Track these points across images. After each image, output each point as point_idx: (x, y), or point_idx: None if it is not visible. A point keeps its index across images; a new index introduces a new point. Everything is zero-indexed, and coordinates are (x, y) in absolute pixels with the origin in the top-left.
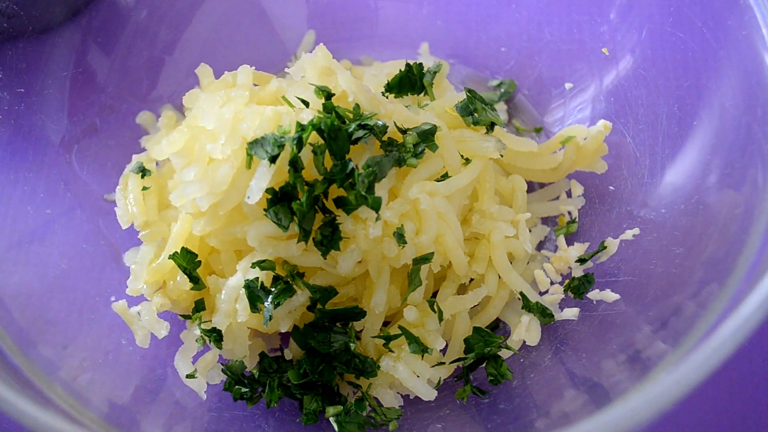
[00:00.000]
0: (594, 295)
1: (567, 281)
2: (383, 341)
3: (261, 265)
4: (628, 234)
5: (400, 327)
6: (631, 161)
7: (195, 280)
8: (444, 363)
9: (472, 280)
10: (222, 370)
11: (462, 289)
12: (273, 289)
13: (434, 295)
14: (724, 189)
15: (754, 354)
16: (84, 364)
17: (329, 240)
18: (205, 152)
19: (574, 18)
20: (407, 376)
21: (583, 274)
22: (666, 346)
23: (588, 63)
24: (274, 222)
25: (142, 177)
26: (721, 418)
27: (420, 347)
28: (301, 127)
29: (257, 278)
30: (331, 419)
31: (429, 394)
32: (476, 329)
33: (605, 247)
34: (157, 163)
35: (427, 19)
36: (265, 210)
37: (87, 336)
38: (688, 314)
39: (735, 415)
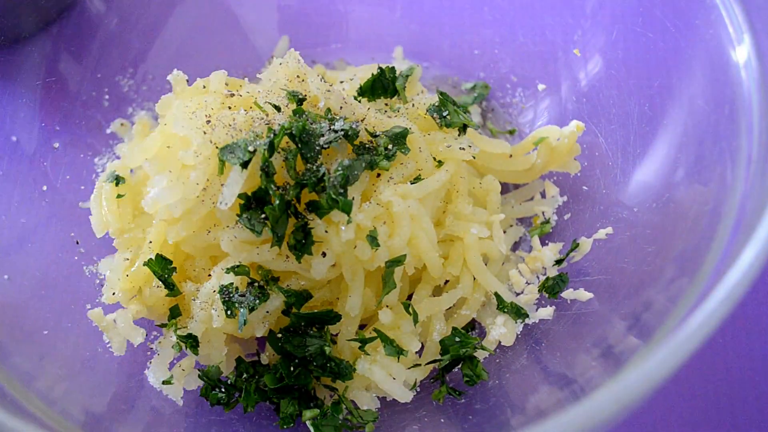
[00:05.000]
0: (568, 294)
1: (542, 281)
2: (359, 344)
3: (235, 270)
4: (602, 233)
5: (375, 330)
6: (604, 161)
7: (170, 287)
8: (420, 365)
9: (447, 281)
10: (198, 376)
11: (437, 291)
12: (248, 294)
13: (410, 297)
14: (693, 186)
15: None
16: (61, 373)
17: (302, 244)
18: (178, 158)
19: (546, 20)
20: (383, 378)
21: (557, 273)
22: (638, 341)
23: (560, 64)
24: (247, 227)
25: (117, 185)
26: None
27: (395, 349)
28: (273, 132)
29: (232, 283)
30: (308, 423)
31: (405, 396)
32: (452, 330)
33: (578, 245)
34: (132, 171)
35: (401, 23)
36: (238, 215)
37: (63, 345)
38: (659, 310)
39: (740, 414)
